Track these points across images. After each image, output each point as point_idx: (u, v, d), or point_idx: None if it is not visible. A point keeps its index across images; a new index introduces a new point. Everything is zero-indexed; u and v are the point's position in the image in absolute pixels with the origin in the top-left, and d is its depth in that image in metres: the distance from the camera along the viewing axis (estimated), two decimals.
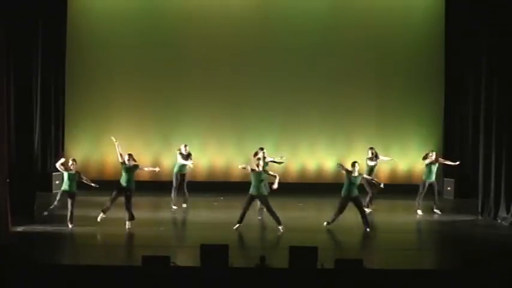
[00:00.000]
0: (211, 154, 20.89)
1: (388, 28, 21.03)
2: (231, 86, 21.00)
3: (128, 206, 15.56)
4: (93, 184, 15.59)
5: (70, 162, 15.60)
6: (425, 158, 17.97)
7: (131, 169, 15.68)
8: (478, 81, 18.39)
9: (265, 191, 15.60)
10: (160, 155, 20.95)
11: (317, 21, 20.99)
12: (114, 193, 15.59)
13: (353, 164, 15.86)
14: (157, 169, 16.31)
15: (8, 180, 14.90)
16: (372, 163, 18.15)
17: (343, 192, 15.80)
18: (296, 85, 21.00)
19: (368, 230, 15.57)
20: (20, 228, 14.99)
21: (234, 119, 21.02)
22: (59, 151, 20.59)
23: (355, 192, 15.76)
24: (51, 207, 15.38)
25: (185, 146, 18.09)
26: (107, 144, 20.71)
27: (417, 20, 21.12)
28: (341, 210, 15.82)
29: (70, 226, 15.30)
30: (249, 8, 21.00)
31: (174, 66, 20.93)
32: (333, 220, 15.82)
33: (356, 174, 15.75)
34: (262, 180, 15.44)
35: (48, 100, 20.28)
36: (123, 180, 15.64)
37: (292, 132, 20.99)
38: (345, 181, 15.83)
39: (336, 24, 21.08)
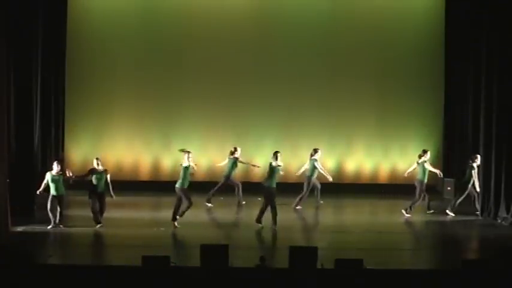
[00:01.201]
0: (211, 154, 20.88)
1: (388, 28, 21.02)
2: (231, 86, 21.00)
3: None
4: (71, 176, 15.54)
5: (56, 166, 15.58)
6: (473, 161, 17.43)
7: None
8: (477, 81, 18.39)
9: (185, 184, 15.46)
10: (160, 155, 20.95)
11: (317, 22, 20.98)
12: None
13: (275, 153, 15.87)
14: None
15: (8, 180, 14.89)
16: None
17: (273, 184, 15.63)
18: (296, 85, 20.99)
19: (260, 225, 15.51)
20: (20, 228, 14.98)
21: (234, 119, 21.02)
22: (59, 151, 20.58)
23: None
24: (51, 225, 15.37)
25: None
26: (107, 144, 20.80)
27: (417, 20, 21.11)
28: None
29: (58, 226, 15.31)
30: (249, 8, 20.99)
31: (174, 66, 20.92)
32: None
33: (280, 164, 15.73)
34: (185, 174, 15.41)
35: (48, 100, 20.25)
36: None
37: (292, 132, 20.98)
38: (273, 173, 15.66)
39: (336, 25, 21.07)
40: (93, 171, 15.64)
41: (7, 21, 15.23)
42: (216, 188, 18.47)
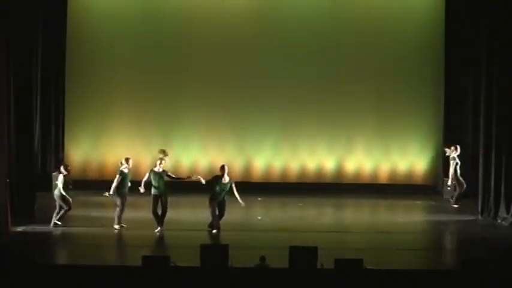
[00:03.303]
0: (211, 154, 20.87)
1: (388, 28, 20.99)
2: (231, 86, 20.98)
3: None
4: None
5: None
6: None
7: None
8: (477, 81, 18.40)
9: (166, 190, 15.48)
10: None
11: (317, 22, 20.95)
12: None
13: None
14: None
15: (8, 180, 14.90)
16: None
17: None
18: (296, 85, 20.97)
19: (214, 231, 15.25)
20: (20, 228, 14.99)
21: (234, 120, 21.00)
22: (59, 151, 20.58)
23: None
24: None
25: None
26: (107, 144, 20.80)
27: (417, 20, 21.08)
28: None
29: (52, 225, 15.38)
30: (249, 9, 20.96)
31: (174, 66, 20.91)
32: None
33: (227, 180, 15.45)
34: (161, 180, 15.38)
35: (48, 100, 20.27)
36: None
37: (292, 132, 20.96)
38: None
39: (335, 25, 21.04)
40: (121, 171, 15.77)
41: (7, 21, 15.23)
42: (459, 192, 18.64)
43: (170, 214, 16.91)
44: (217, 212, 15.34)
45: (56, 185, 15.60)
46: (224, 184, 15.39)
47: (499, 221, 16.77)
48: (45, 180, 19.71)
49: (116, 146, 20.78)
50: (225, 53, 20.88)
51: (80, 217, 16.05)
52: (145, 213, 16.99)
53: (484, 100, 17.51)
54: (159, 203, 15.49)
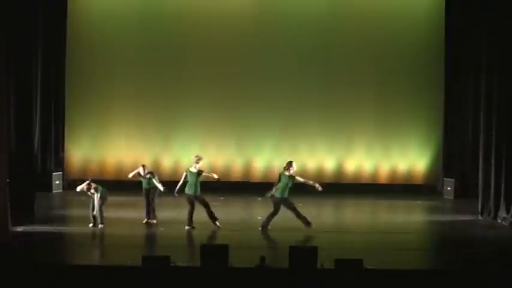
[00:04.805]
0: (211, 154, 20.87)
1: (388, 28, 21.01)
2: (230, 86, 21.00)
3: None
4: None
5: (93, 186, 15.61)
6: None
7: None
8: (478, 81, 18.41)
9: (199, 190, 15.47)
10: (161, 154, 20.94)
11: (317, 23, 20.97)
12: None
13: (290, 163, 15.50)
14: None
15: (8, 180, 14.89)
16: None
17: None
18: (296, 86, 20.99)
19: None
20: (20, 228, 14.97)
21: (233, 120, 21.02)
22: (59, 151, 20.61)
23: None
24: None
25: None
26: (107, 144, 20.81)
27: (417, 19, 21.11)
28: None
29: (101, 226, 15.38)
30: (248, 9, 20.98)
31: (174, 66, 20.93)
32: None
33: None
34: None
35: (48, 100, 20.29)
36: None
37: (292, 133, 20.98)
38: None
39: (335, 26, 21.07)
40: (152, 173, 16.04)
41: (7, 21, 15.22)
42: None
43: (170, 214, 16.96)
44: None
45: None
46: (292, 177, 15.36)
47: (499, 221, 16.77)
48: (45, 180, 19.75)
49: (116, 146, 20.81)
50: (225, 54, 20.90)
51: (80, 217, 16.03)
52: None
53: (484, 100, 17.51)
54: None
